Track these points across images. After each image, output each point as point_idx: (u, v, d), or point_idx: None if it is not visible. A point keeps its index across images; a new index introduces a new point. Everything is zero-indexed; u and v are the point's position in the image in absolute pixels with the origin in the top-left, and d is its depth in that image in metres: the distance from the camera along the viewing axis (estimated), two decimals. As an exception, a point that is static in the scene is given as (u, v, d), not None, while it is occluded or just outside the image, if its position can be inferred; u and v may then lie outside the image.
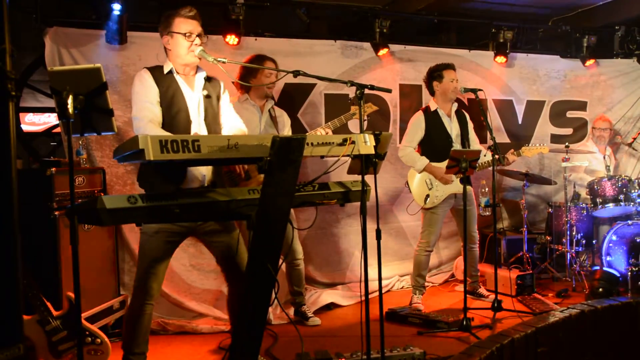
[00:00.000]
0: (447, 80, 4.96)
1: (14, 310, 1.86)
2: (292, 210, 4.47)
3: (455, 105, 5.12)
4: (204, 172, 3.15)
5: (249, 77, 4.44)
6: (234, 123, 3.36)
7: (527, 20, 6.48)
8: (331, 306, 5.10)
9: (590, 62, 6.59)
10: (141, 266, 3.15)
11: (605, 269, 5.13)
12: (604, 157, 6.05)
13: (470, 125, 5.22)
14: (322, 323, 4.62)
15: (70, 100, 2.32)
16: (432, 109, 5.04)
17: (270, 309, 4.40)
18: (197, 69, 3.31)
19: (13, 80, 1.88)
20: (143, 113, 3.07)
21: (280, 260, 2.71)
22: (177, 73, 3.23)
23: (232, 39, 4.96)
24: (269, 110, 4.54)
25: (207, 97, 3.27)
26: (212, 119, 3.27)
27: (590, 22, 6.54)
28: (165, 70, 3.22)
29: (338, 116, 4.60)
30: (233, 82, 4.42)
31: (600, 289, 4.90)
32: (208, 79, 3.34)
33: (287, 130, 4.62)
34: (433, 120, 5.00)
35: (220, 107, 3.37)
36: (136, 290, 3.17)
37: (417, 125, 5.00)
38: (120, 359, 3.28)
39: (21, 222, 1.80)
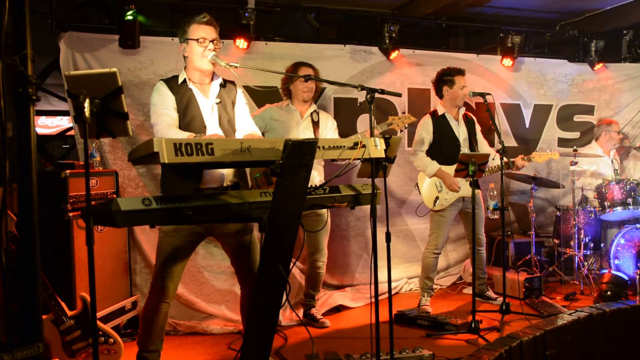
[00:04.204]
0: (458, 87, 4.98)
1: (33, 310, 1.91)
2: (327, 212, 4.56)
3: (463, 109, 5.14)
4: (224, 172, 3.19)
5: (289, 84, 4.60)
6: (247, 128, 3.39)
7: (535, 25, 6.51)
8: (340, 308, 5.13)
9: (598, 66, 6.61)
10: (158, 265, 3.20)
11: (613, 272, 5.13)
12: (612, 161, 6.06)
13: (478, 128, 5.25)
14: (331, 325, 4.65)
15: (86, 104, 2.36)
16: (440, 113, 5.07)
17: (280, 310, 4.45)
18: (214, 76, 3.35)
19: (34, 85, 1.93)
20: (161, 119, 3.14)
21: (292, 263, 2.74)
22: (192, 82, 3.28)
23: (242, 43, 5.02)
24: (311, 115, 4.62)
25: (220, 103, 3.32)
26: (227, 123, 3.31)
27: (597, 26, 6.55)
28: (180, 80, 3.27)
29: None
30: (280, 89, 4.68)
31: (609, 292, 4.90)
32: (223, 85, 3.37)
33: (330, 134, 4.68)
34: (441, 124, 5.03)
35: (235, 111, 3.41)
36: (152, 288, 3.22)
37: (425, 128, 5.03)
38: (132, 358, 3.33)
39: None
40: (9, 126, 1.93)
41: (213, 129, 3.23)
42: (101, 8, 4.90)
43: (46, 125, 10.18)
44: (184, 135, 3.02)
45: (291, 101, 4.63)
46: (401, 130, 4.65)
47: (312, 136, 4.53)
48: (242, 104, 3.45)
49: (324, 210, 4.54)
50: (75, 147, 4.83)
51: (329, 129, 4.70)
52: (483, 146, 5.22)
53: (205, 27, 3.23)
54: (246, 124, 3.41)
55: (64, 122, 9.91)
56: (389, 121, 4.65)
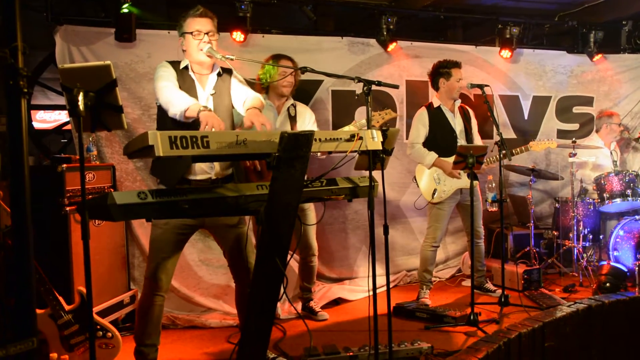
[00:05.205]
0: (454, 80, 4.97)
1: (27, 304, 1.90)
2: (312, 206, 4.53)
3: (459, 102, 5.12)
4: (213, 164, 3.20)
5: (267, 78, 4.47)
6: (250, 97, 3.32)
7: (534, 16, 6.48)
8: (339, 301, 5.13)
9: (598, 57, 6.58)
10: (151, 258, 3.21)
11: (612, 263, 5.13)
12: (611, 153, 6.05)
13: (474, 122, 5.23)
14: (329, 318, 4.65)
15: (81, 97, 2.34)
16: (435, 105, 5.06)
17: (278, 304, 4.44)
18: (213, 67, 3.35)
19: (25, 77, 1.91)
20: (168, 82, 3.16)
21: (289, 256, 2.73)
22: (192, 71, 3.29)
23: (238, 35, 4.99)
24: (288, 109, 4.55)
25: (215, 94, 3.31)
26: (223, 115, 3.28)
27: (596, 17, 6.52)
28: (182, 66, 3.29)
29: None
30: (254, 83, 4.46)
31: (608, 284, 4.90)
32: (220, 74, 3.36)
33: (310, 126, 4.60)
34: (436, 116, 5.02)
35: (233, 90, 3.37)
36: (147, 282, 3.23)
37: (421, 121, 5.02)
38: (131, 352, 3.33)
39: (33, 218, 1.84)
40: (2, 120, 1.91)
41: None
42: (97, 1, 4.87)
43: (44, 120, 10.17)
44: (189, 101, 3.03)
45: (267, 95, 4.51)
46: (381, 127, 4.56)
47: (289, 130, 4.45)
48: (237, 82, 3.42)
49: (309, 204, 4.50)
50: (73, 142, 4.81)
51: (307, 123, 4.60)
52: (477, 141, 5.18)
53: (199, 20, 3.23)
54: (247, 93, 3.34)
55: (62, 117, 9.90)
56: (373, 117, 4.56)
